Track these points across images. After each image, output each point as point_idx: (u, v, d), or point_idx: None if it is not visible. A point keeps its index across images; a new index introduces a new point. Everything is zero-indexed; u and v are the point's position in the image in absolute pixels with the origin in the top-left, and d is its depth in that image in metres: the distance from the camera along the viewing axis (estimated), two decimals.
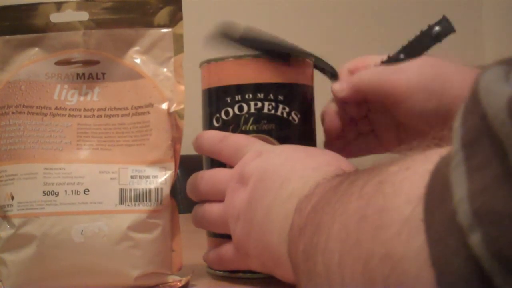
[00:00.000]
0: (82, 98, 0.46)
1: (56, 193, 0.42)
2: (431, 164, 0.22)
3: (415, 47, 0.54)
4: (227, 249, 0.46)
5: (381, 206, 0.24)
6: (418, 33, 0.55)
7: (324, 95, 0.57)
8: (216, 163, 0.48)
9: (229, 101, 0.48)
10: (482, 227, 0.18)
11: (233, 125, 0.48)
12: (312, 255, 0.30)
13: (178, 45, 0.47)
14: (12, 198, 0.43)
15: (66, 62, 0.46)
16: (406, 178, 0.24)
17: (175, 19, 0.47)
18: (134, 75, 0.46)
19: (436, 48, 0.55)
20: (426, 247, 0.20)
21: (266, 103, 0.47)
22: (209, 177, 0.47)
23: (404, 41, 0.55)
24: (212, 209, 0.46)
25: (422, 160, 0.24)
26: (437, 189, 0.21)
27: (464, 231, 0.18)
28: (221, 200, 0.45)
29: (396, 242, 0.22)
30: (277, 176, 0.40)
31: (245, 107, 0.47)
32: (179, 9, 0.47)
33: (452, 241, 0.19)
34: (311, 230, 0.31)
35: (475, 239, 0.18)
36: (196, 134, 0.49)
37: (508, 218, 0.17)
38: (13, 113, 0.44)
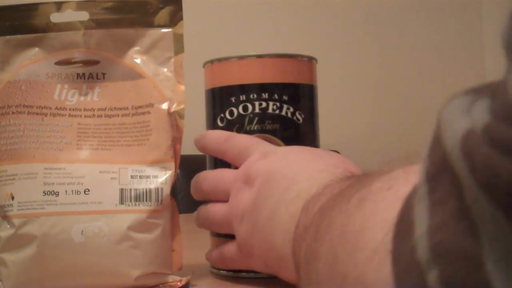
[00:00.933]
0: (82, 98, 0.46)
1: (56, 193, 0.42)
2: (410, 186, 0.22)
3: None
4: (229, 248, 0.46)
5: (359, 226, 0.25)
6: None
7: (327, 96, 0.57)
8: (220, 163, 0.48)
9: (233, 101, 0.48)
10: (438, 264, 0.17)
11: (237, 125, 0.48)
12: (310, 261, 0.30)
13: (178, 45, 0.47)
14: (12, 198, 0.43)
15: (66, 62, 0.46)
16: (386, 199, 0.24)
17: (175, 19, 0.47)
18: (134, 75, 0.46)
19: (436, 49, 0.55)
20: (392, 278, 0.20)
21: (271, 103, 0.47)
22: (213, 177, 0.47)
23: (403, 41, 0.55)
24: (216, 209, 0.46)
25: (403, 181, 0.24)
26: (405, 220, 0.21)
27: (422, 268, 0.18)
28: (224, 200, 0.45)
29: (368, 267, 0.23)
30: (283, 178, 0.40)
31: (250, 107, 0.47)
32: (179, 9, 0.47)
33: (413, 276, 0.19)
34: (313, 234, 0.31)
35: (432, 276, 0.18)
36: (196, 134, 0.49)
37: (461, 256, 0.17)
38: (13, 113, 0.44)
